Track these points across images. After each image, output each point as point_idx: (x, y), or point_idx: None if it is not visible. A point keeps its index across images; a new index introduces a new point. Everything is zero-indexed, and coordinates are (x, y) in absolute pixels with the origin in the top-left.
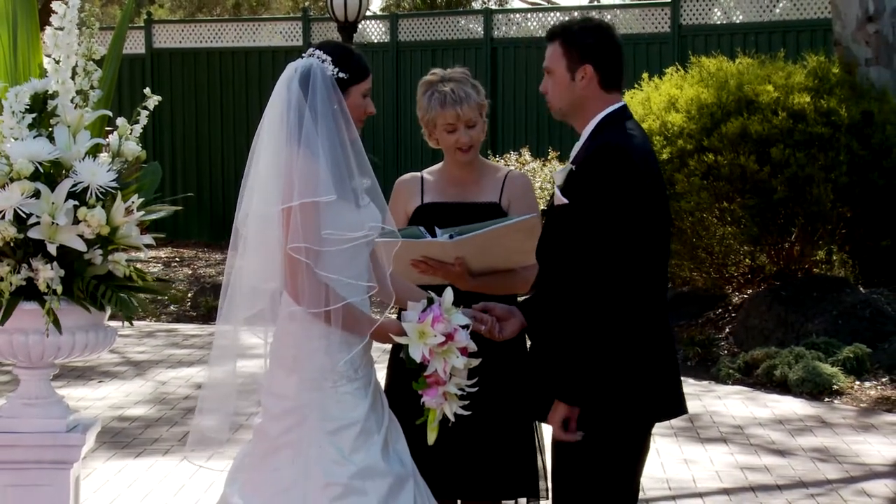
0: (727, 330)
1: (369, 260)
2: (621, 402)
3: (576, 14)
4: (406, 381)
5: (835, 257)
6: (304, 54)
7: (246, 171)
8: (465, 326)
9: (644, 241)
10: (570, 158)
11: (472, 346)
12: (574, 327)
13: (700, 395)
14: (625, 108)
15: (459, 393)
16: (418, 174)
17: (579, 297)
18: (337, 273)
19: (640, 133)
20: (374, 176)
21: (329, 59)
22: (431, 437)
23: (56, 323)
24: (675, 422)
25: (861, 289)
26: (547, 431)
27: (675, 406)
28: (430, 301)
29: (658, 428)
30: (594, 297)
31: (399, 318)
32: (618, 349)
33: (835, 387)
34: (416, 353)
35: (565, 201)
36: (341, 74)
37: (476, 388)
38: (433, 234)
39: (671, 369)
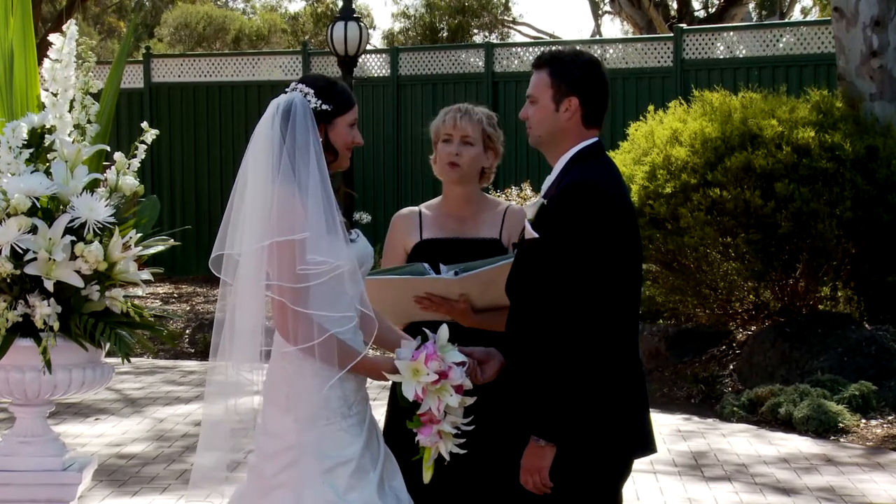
0: (731, 367)
1: (363, 295)
2: (596, 438)
3: (577, 48)
4: (405, 418)
5: (840, 293)
6: (287, 89)
7: (228, 209)
8: (460, 364)
9: (615, 278)
10: (542, 192)
11: (468, 384)
12: (546, 363)
13: (704, 433)
14: (598, 143)
15: (454, 431)
16: (416, 209)
17: (550, 333)
18: (326, 310)
19: (614, 169)
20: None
21: (311, 91)
22: (427, 476)
23: (48, 364)
24: (678, 460)
25: (866, 325)
26: None
27: (646, 443)
28: (425, 338)
29: (662, 466)
30: (565, 333)
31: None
32: (591, 384)
33: (840, 425)
34: (409, 392)
35: (536, 235)
36: (325, 106)
37: (472, 427)
38: (437, 270)
39: (642, 405)
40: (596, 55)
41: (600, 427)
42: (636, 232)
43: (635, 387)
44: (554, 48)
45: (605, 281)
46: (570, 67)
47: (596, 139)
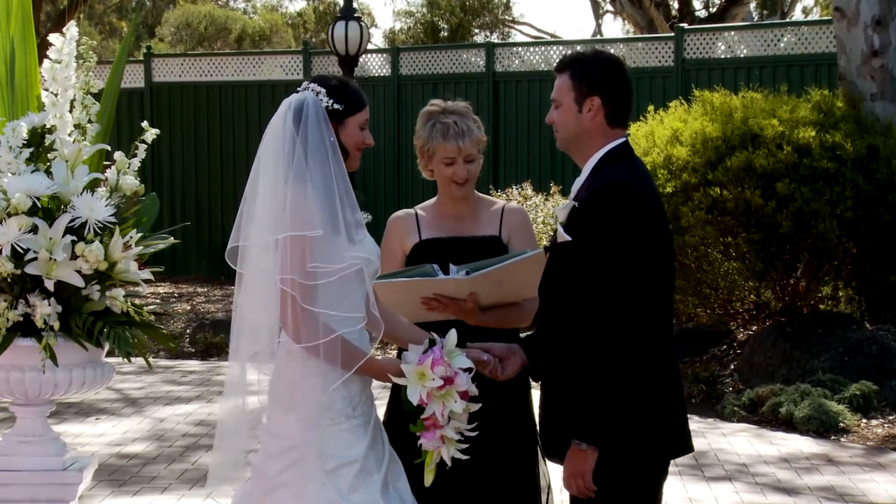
0: (732, 367)
1: (370, 296)
2: (639, 440)
3: (578, 48)
4: (405, 418)
5: (841, 293)
6: (299, 88)
7: (241, 207)
8: (467, 370)
9: (650, 279)
10: (572, 195)
11: (473, 391)
12: (586, 367)
13: (705, 433)
14: (626, 144)
15: (458, 437)
16: (411, 210)
17: (589, 336)
18: (332, 309)
19: (643, 169)
20: (359, 213)
21: (323, 91)
22: (428, 480)
23: (52, 357)
24: (679, 460)
25: (867, 325)
26: (552, 471)
27: (684, 442)
28: (433, 342)
29: None
30: (604, 336)
31: (398, 356)
32: (631, 386)
33: (841, 424)
34: (414, 396)
35: (569, 239)
36: (336, 106)
37: (476, 433)
38: (445, 271)
39: (679, 405)
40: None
41: (642, 428)
42: (668, 232)
43: (673, 387)
44: (576, 51)
45: (641, 282)
46: (589, 67)
47: (623, 139)
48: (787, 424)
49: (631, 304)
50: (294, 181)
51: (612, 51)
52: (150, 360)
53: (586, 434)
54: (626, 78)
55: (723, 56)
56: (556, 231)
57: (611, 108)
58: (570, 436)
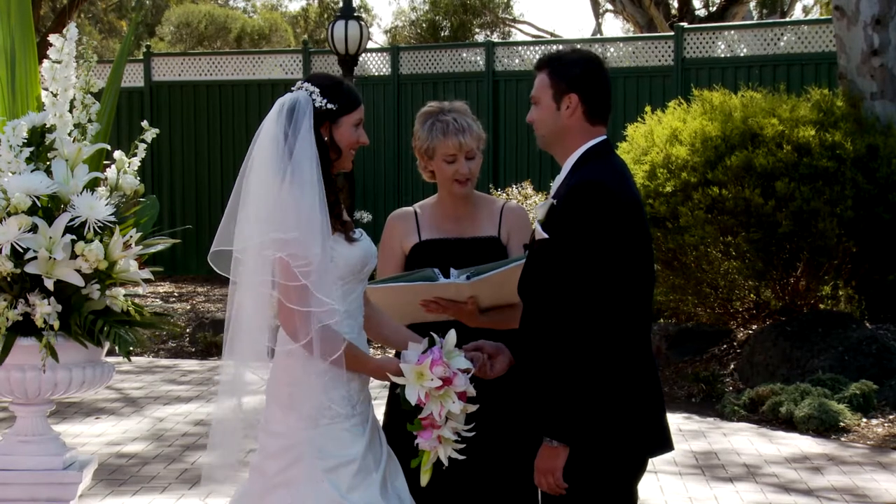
0: (732, 366)
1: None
2: (611, 438)
3: (578, 47)
4: (404, 419)
5: (840, 292)
6: (293, 88)
7: (229, 205)
8: (465, 370)
9: (627, 276)
10: (551, 192)
11: (471, 391)
12: (559, 364)
13: (706, 433)
14: (606, 142)
15: (455, 437)
16: (411, 209)
17: (563, 333)
18: (317, 305)
19: (622, 167)
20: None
21: (317, 90)
22: (424, 479)
23: (53, 353)
24: (680, 459)
25: (867, 324)
26: None
27: (661, 441)
28: (432, 342)
29: (663, 465)
30: (578, 333)
31: (396, 355)
32: (605, 384)
33: (841, 424)
34: (412, 395)
35: (546, 236)
36: (329, 106)
37: (473, 433)
38: (445, 273)
39: (657, 403)
40: (597, 54)
41: (613, 426)
42: (646, 230)
43: (649, 385)
44: (554, 49)
45: (617, 280)
46: (568, 65)
47: (603, 137)
48: (788, 424)
49: (605, 301)
50: (282, 181)
51: (611, 50)
52: (150, 359)
53: (557, 431)
54: (605, 76)
55: (722, 55)
56: (534, 228)
57: (589, 106)
58: (540, 433)
